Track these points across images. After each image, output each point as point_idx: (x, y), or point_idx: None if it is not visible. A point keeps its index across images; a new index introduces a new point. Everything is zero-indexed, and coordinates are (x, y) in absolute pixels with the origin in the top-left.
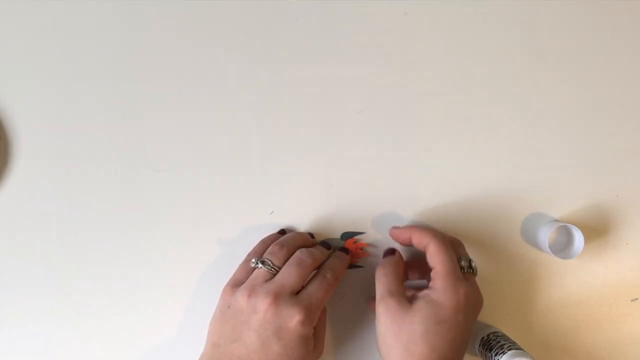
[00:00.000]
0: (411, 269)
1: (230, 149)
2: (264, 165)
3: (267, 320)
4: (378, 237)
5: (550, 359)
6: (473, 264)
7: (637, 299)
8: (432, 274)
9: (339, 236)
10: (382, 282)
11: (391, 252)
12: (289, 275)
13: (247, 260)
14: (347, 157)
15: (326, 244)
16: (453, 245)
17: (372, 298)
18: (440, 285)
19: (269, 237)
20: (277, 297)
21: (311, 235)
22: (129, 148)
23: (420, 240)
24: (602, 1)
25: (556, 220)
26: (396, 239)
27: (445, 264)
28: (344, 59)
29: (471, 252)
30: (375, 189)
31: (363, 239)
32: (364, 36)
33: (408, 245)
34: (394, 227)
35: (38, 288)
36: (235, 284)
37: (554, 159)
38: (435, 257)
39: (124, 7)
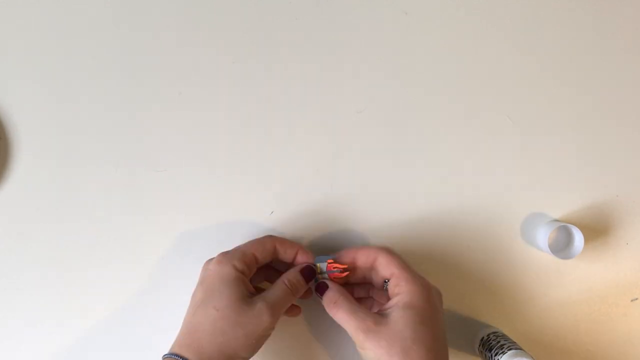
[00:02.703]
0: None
1: (230, 149)
2: (264, 166)
3: (200, 274)
4: (374, 239)
5: (550, 359)
6: None
7: (637, 299)
8: (392, 280)
9: (337, 237)
10: (346, 318)
11: (325, 285)
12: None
13: None
14: (347, 157)
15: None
16: None
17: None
18: (405, 286)
19: None
20: (219, 257)
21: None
22: (129, 148)
23: (367, 257)
24: (601, 2)
25: (556, 220)
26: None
27: (401, 265)
28: (344, 59)
29: (471, 252)
30: (375, 189)
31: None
32: (364, 36)
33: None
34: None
35: (38, 287)
36: None
37: (554, 159)
38: (390, 264)
39: (124, 6)
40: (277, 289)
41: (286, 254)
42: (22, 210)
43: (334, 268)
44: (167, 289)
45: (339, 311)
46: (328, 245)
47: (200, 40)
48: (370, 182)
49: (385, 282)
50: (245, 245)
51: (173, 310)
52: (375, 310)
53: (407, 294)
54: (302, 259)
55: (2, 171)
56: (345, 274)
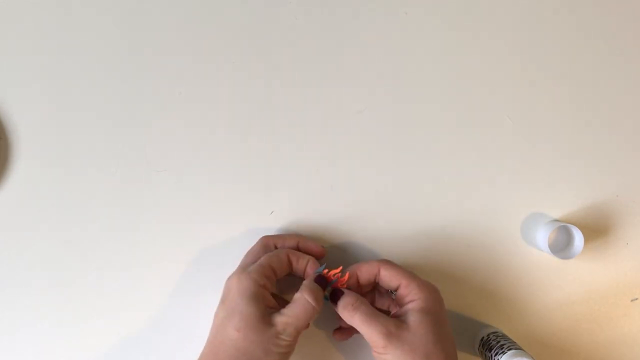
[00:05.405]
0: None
1: (230, 149)
2: (264, 165)
3: (223, 293)
4: (375, 238)
5: (550, 359)
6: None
7: (637, 299)
8: (401, 289)
9: (337, 237)
10: (367, 321)
11: (340, 292)
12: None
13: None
14: (347, 157)
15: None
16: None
17: (338, 330)
18: (417, 292)
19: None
20: (238, 271)
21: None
22: (129, 148)
23: (369, 272)
24: (601, 2)
25: (556, 220)
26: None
27: (407, 274)
28: (344, 59)
29: (471, 252)
30: (374, 189)
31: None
32: (364, 36)
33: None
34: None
35: (38, 287)
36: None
37: (554, 159)
38: (396, 274)
39: (124, 7)
40: (298, 305)
41: (298, 265)
42: (22, 211)
43: (334, 276)
44: (168, 288)
45: (357, 314)
46: (328, 245)
47: (200, 40)
48: (370, 181)
49: (392, 292)
50: (263, 258)
51: (173, 310)
52: None
53: (422, 300)
54: (312, 270)
55: (2, 171)
56: (347, 276)
